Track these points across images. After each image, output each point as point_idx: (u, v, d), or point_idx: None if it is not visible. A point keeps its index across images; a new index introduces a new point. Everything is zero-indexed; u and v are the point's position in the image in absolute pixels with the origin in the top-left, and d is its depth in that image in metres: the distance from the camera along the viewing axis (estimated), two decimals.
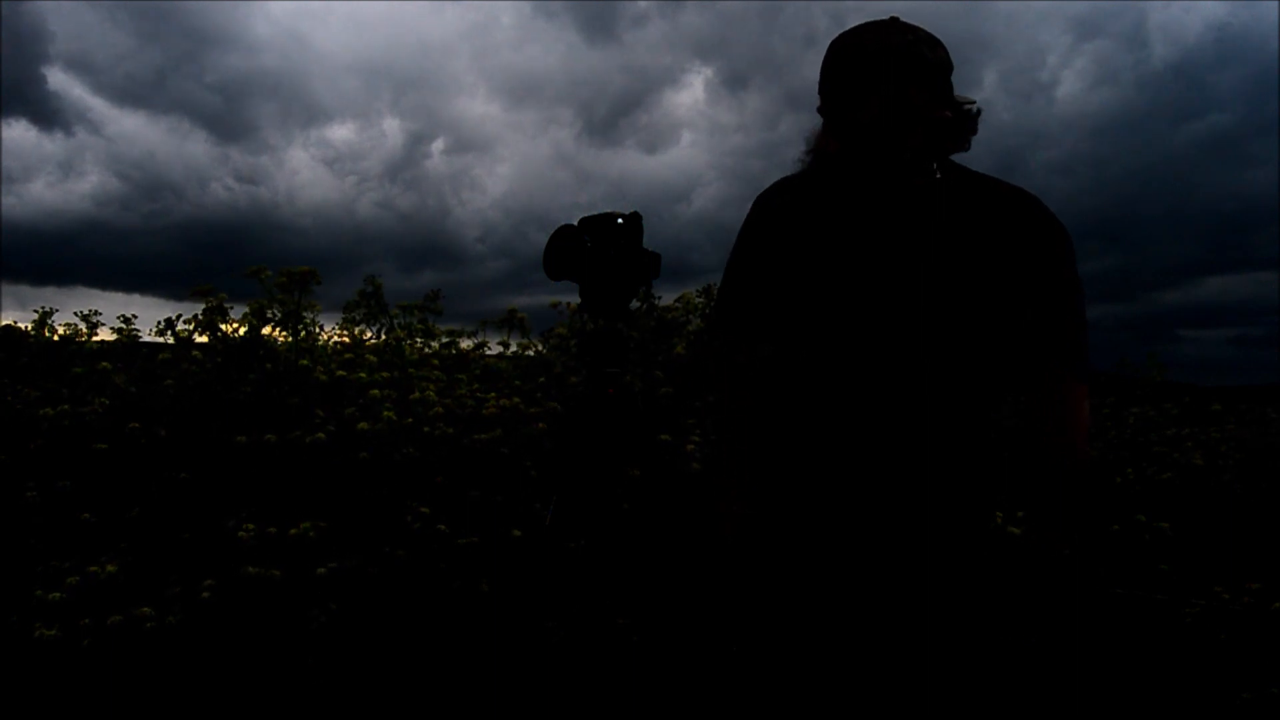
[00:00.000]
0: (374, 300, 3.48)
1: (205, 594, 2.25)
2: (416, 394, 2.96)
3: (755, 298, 1.34)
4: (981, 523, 1.27)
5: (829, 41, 1.35)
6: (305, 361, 2.98)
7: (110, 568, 2.25)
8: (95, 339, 3.43)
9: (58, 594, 2.16)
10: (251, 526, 2.38)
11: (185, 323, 3.17)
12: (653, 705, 2.21)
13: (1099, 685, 2.47)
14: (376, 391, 2.89)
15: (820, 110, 1.34)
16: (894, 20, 1.29)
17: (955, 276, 1.24)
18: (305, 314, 3.25)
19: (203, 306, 3.12)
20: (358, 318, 3.49)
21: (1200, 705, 2.41)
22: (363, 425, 2.73)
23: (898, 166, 1.28)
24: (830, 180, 1.32)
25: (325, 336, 3.42)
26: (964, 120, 1.31)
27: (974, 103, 1.31)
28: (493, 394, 3.06)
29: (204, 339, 3.14)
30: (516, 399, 3.03)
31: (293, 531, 2.39)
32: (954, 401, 1.25)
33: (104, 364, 3.06)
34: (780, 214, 1.36)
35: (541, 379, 3.35)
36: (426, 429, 2.85)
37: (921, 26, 1.31)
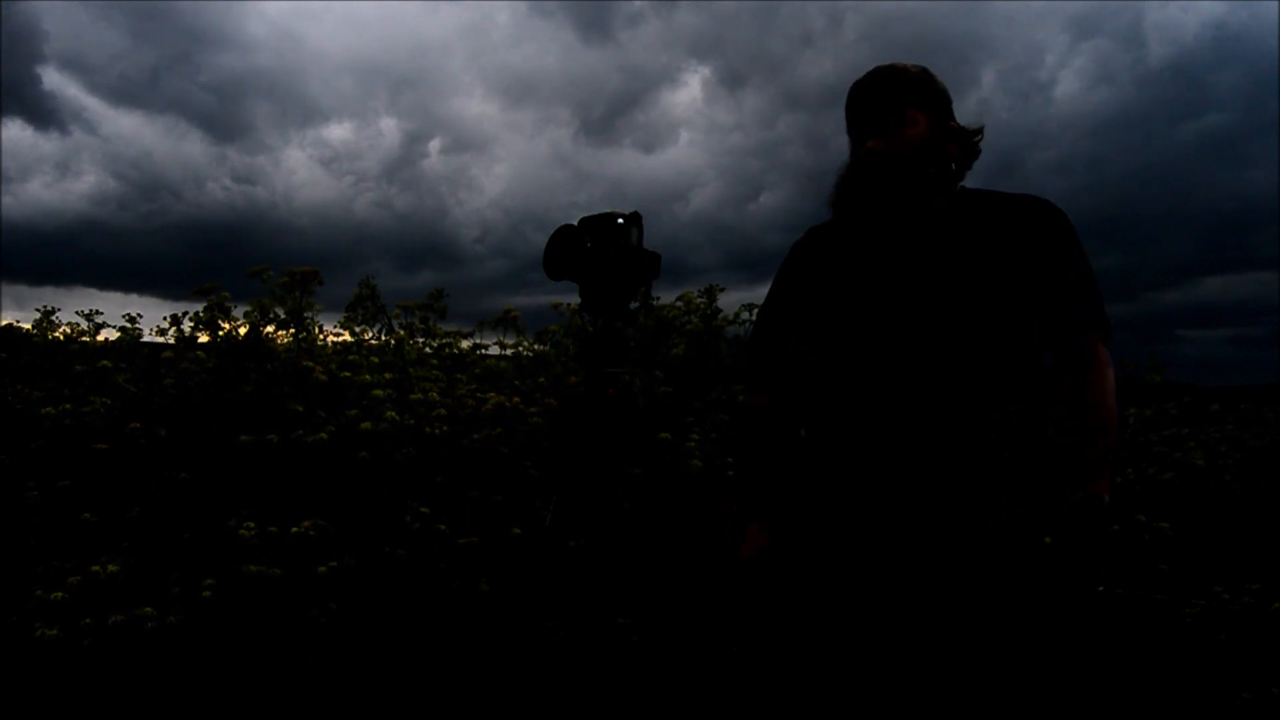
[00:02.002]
0: (371, 301, 3.48)
1: (206, 593, 2.25)
2: (417, 394, 2.97)
3: (784, 327, 1.47)
4: (988, 523, 1.29)
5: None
6: (309, 363, 2.98)
7: (111, 567, 2.25)
8: (98, 339, 3.44)
9: (59, 594, 2.15)
10: (253, 525, 2.38)
11: (189, 320, 3.18)
12: (653, 705, 2.21)
13: (1099, 685, 2.47)
14: (379, 392, 2.89)
15: (851, 137, 1.43)
16: (893, 64, 1.40)
17: (972, 292, 1.30)
18: (306, 314, 3.26)
19: (203, 305, 3.13)
20: (358, 318, 3.49)
21: (1200, 705, 2.41)
22: (365, 425, 2.73)
23: (923, 190, 1.34)
24: (856, 208, 1.38)
25: (327, 337, 3.42)
26: (971, 143, 1.40)
27: (980, 131, 1.40)
28: (492, 394, 3.07)
29: (205, 338, 3.14)
30: (516, 399, 3.03)
31: (294, 530, 2.39)
32: (967, 410, 1.30)
33: (104, 362, 3.06)
34: (810, 250, 1.48)
35: (542, 379, 3.36)
36: (428, 429, 2.85)
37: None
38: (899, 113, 1.34)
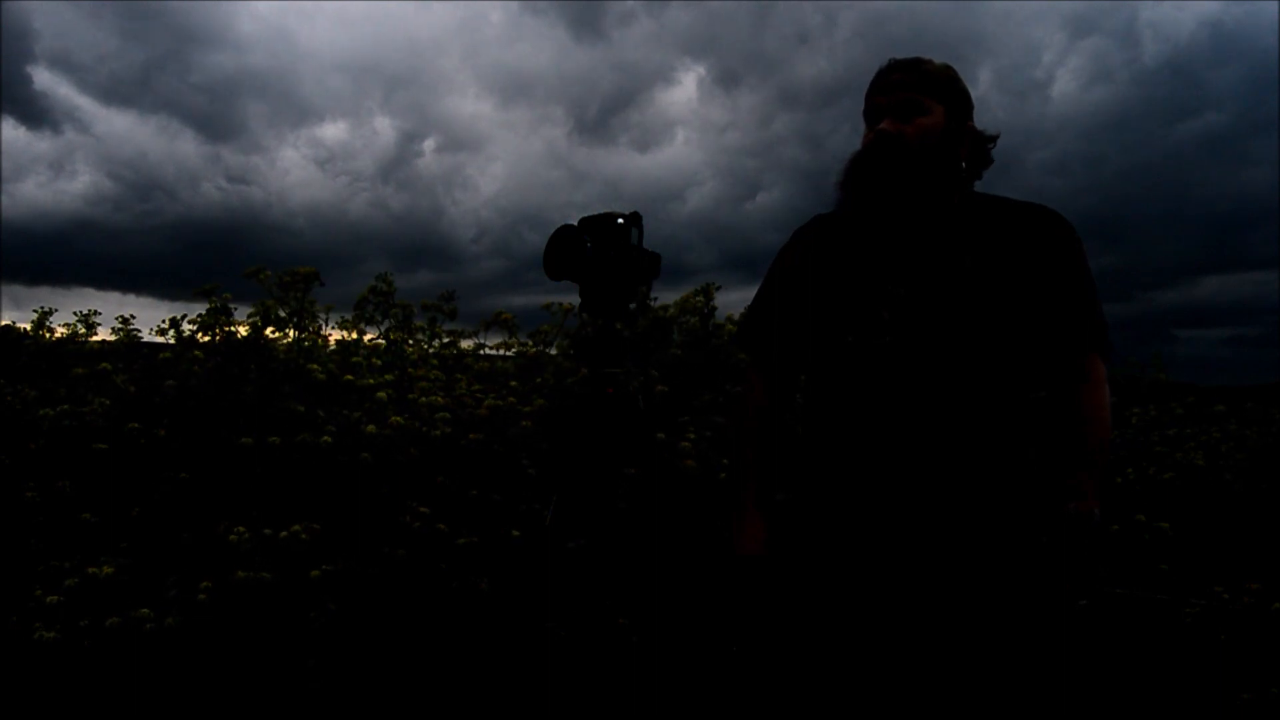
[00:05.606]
0: (386, 299, 3.48)
1: (202, 595, 2.25)
2: (417, 395, 2.96)
3: (783, 315, 1.45)
4: (1008, 522, 1.29)
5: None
6: (314, 366, 2.98)
7: (107, 569, 2.25)
8: (94, 339, 3.43)
9: (55, 597, 2.15)
10: (242, 529, 2.37)
11: (190, 323, 3.18)
12: (653, 705, 2.21)
13: (1099, 685, 2.47)
14: (384, 394, 2.89)
15: (866, 122, 1.42)
16: (919, 57, 1.39)
17: (983, 290, 1.30)
18: (318, 315, 3.27)
19: (205, 307, 3.13)
20: (367, 315, 3.48)
21: (1200, 705, 2.41)
22: (370, 429, 2.73)
23: (931, 178, 1.34)
24: (863, 189, 1.37)
25: (329, 336, 3.42)
26: (984, 149, 1.40)
27: (994, 138, 1.41)
28: (490, 394, 3.07)
29: (206, 339, 3.15)
30: (513, 399, 3.03)
31: (283, 534, 2.38)
32: (985, 405, 1.29)
33: (104, 364, 3.06)
34: (814, 237, 1.47)
35: (540, 380, 3.35)
36: (426, 429, 2.85)
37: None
38: (917, 101, 1.34)
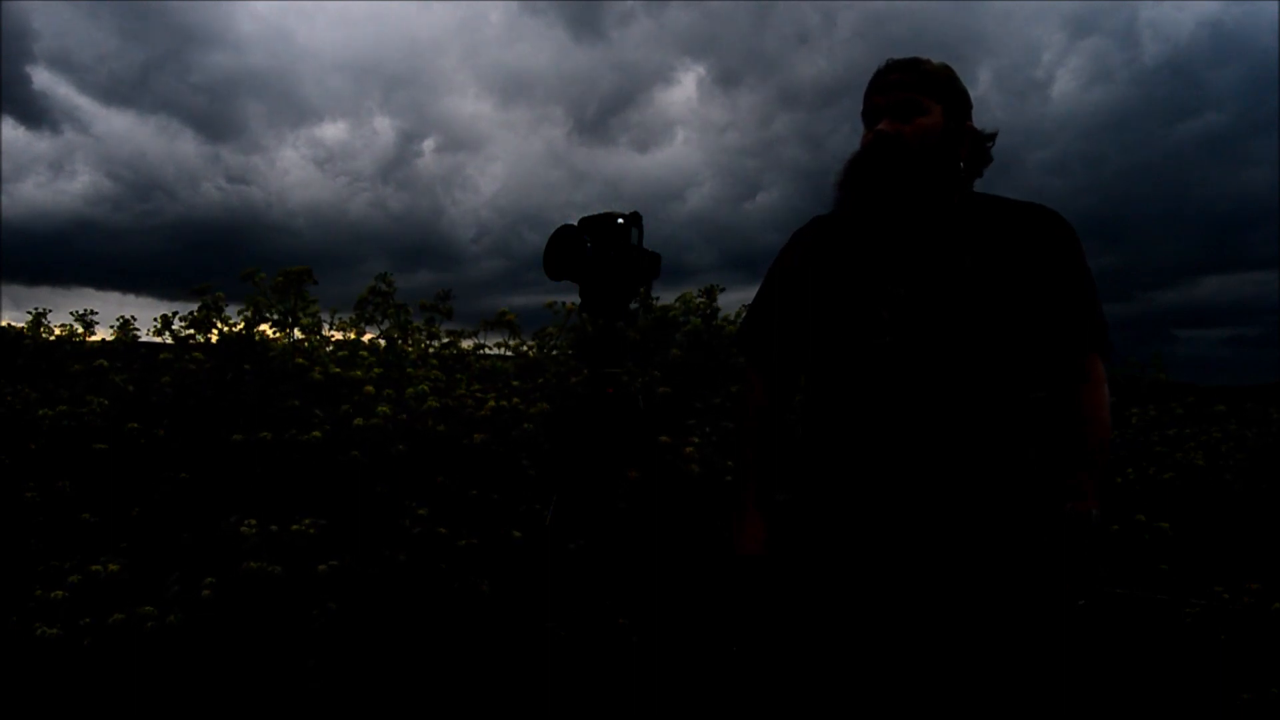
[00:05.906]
0: (386, 298, 3.48)
1: (206, 592, 2.25)
2: (411, 389, 2.97)
3: (782, 316, 1.46)
4: (1008, 523, 1.28)
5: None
6: (303, 361, 2.99)
7: (112, 566, 2.25)
8: (93, 339, 3.43)
9: (60, 593, 2.15)
10: (254, 522, 2.38)
11: (181, 320, 3.19)
12: (653, 705, 2.21)
13: (1099, 685, 2.47)
14: (371, 388, 2.89)
15: (864, 122, 1.42)
16: (917, 57, 1.39)
17: (982, 290, 1.30)
18: (314, 313, 3.28)
19: (198, 304, 3.15)
20: (368, 314, 3.48)
21: (1200, 705, 2.41)
22: (358, 421, 2.73)
23: (929, 178, 1.34)
24: (862, 190, 1.37)
25: (330, 335, 3.43)
26: (983, 148, 1.40)
27: (992, 137, 1.41)
28: (492, 394, 3.07)
29: (201, 338, 3.15)
30: (516, 399, 3.03)
31: (294, 528, 2.39)
32: (985, 406, 1.29)
33: (101, 361, 3.06)
34: (813, 238, 1.47)
35: (541, 380, 3.35)
36: (419, 426, 2.85)
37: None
38: (915, 101, 1.34)
